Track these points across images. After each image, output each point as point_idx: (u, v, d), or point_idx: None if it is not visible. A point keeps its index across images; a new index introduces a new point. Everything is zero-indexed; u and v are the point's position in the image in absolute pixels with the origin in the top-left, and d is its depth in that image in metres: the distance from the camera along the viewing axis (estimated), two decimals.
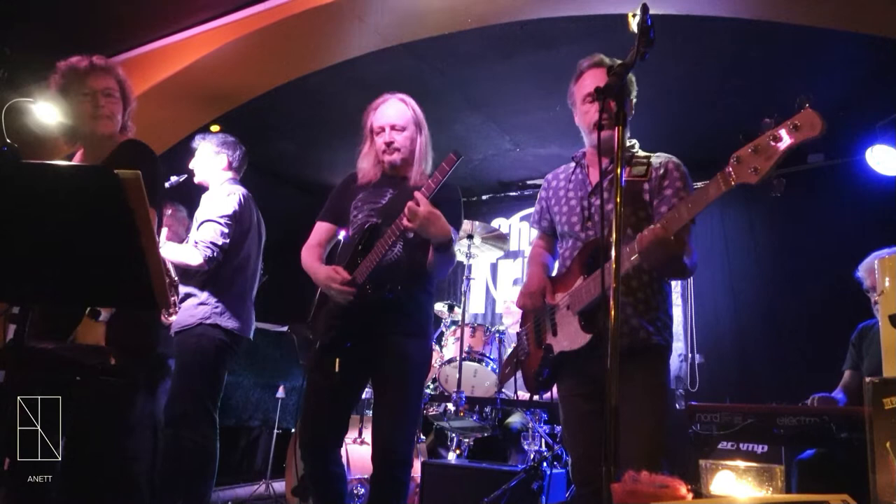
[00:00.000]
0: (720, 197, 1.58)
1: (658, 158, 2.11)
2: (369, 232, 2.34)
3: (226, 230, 2.89)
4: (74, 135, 2.25)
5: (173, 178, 3.14)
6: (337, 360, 2.31)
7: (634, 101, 2.13)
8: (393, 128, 2.42)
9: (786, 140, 1.43)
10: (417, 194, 2.13)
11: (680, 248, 1.76)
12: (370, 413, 3.93)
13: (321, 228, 2.55)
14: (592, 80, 2.09)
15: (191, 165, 3.18)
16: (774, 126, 1.45)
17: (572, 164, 2.28)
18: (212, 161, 3.16)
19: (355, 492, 3.61)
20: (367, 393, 3.83)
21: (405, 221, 2.15)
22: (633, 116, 2.13)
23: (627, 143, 2.15)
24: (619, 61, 2.08)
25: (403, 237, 2.27)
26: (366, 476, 3.63)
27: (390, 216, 2.28)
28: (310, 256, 2.46)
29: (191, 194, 3.27)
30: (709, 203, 1.61)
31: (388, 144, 2.42)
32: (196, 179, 3.18)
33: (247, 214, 3.04)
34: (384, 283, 2.25)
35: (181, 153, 3.54)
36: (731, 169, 1.52)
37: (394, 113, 2.45)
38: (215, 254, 2.84)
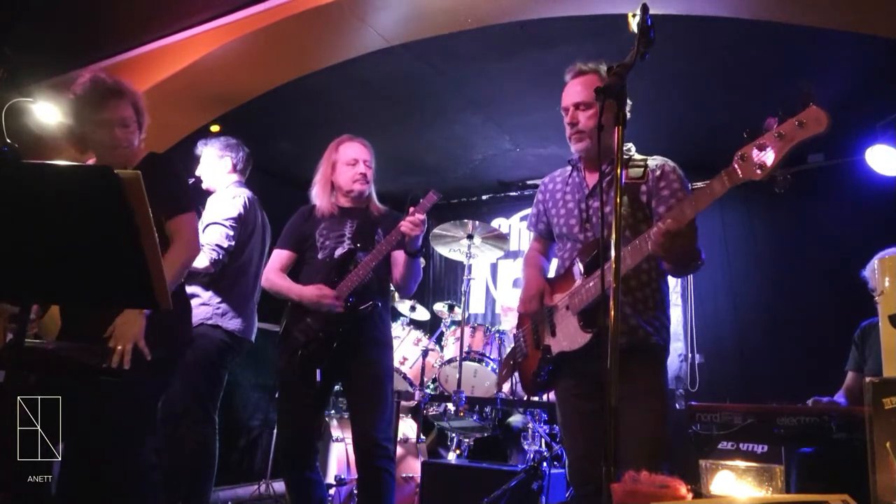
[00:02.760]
0: (723, 195, 1.57)
1: (654, 161, 2.12)
2: (347, 255, 2.64)
3: (231, 233, 2.90)
4: (86, 146, 2.23)
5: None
6: (318, 369, 2.53)
7: (630, 104, 2.13)
8: (365, 162, 2.75)
9: (791, 137, 1.43)
10: (415, 211, 2.50)
11: (695, 237, 1.76)
12: None
13: (282, 255, 2.77)
14: (572, 89, 2.13)
15: (197, 172, 3.19)
16: (779, 123, 1.45)
17: (568, 168, 2.29)
18: (216, 165, 3.17)
19: (356, 492, 3.61)
20: None
21: (405, 229, 2.48)
22: (629, 119, 2.13)
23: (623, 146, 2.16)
24: (592, 64, 2.13)
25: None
26: None
27: (363, 240, 2.66)
28: (283, 280, 2.71)
29: (200, 198, 3.27)
30: (714, 199, 1.60)
31: (363, 175, 2.73)
32: (204, 185, 3.18)
33: (251, 217, 3.05)
34: (365, 298, 2.57)
35: (182, 153, 3.54)
36: (736, 166, 1.52)
37: (363, 150, 2.78)
38: (220, 256, 2.85)
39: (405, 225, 2.48)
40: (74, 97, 2.15)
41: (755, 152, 1.48)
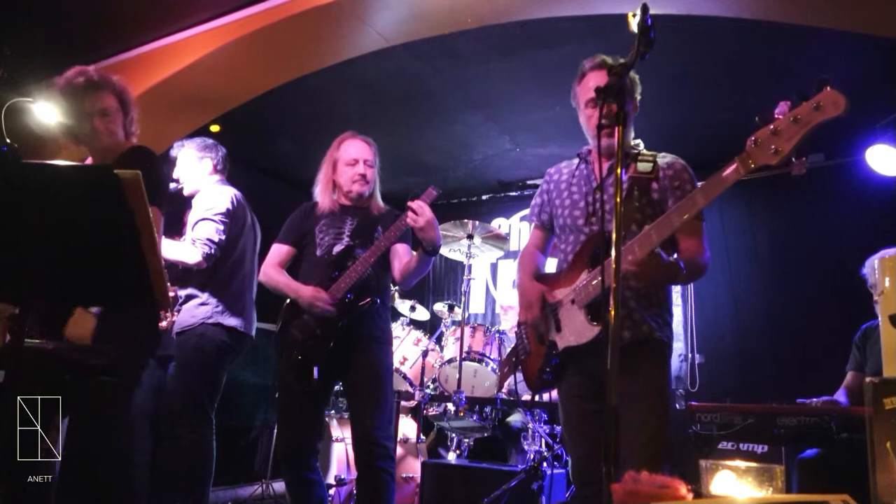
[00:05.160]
0: (735, 182, 1.55)
1: (664, 158, 2.11)
2: (345, 251, 2.64)
3: (221, 227, 2.87)
4: (79, 141, 2.28)
5: (175, 185, 3.13)
6: (315, 367, 2.50)
7: (639, 98, 2.13)
8: (365, 162, 2.73)
9: (808, 120, 1.41)
10: (419, 201, 2.43)
11: (663, 264, 1.80)
12: None
13: (282, 250, 2.77)
14: (595, 82, 2.06)
15: (175, 175, 3.13)
16: (794, 107, 1.44)
17: (576, 160, 2.27)
18: (197, 168, 3.13)
19: (356, 492, 3.61)
20: None
21: (410, 220, 2.41)
22: (635, 116, 2.14)
23: (633, 143, 2.15)
24: (622, 60, 2.09)
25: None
26: None
27: (362, 238, 2.65)
28: (281, 276, 2.71)
29: (184, 203, 3.24)
30: (726, 187, 1.57)
31: (363, 176, 2.72)
32: (186, 191, 3.12)
33: (241, 213, 3.02)
34: (363, 295, 2.55)
35: None
36: (749, 151, 1.49)
37: (365, 149, 2.76)
38: (213, 251, 2.82)
39: (410, 216, 2.43)
40: (58, 91, 2.22)
41: (769, 137, 1.45)
